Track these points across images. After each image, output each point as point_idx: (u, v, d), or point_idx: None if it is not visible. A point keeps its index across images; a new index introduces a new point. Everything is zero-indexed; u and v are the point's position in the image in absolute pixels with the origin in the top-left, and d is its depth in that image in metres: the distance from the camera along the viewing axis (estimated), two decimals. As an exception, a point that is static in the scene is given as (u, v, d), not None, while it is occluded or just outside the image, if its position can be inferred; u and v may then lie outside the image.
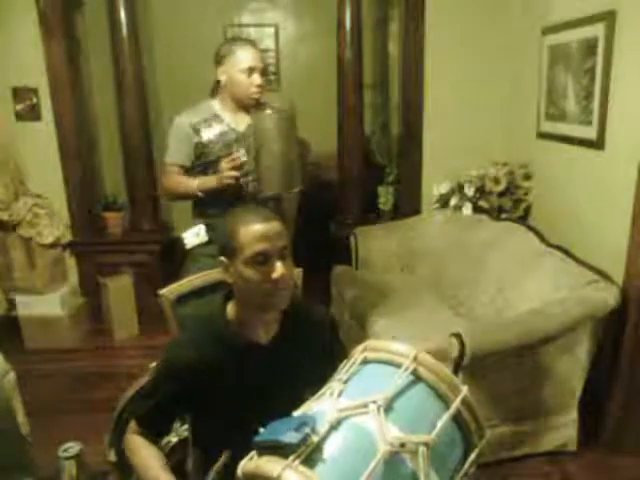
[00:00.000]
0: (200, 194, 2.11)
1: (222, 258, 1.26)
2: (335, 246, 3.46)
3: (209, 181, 2.10)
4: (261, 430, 0.81)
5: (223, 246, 1.27)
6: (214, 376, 1.24)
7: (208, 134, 2.12)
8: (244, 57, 2.08)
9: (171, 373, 1.27)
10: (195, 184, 2.11)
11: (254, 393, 1.25)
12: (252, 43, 2.18)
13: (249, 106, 2.12)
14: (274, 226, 1.22)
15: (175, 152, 2.17)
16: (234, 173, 2.01)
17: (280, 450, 0.74)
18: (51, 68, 3.32)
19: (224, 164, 2.04)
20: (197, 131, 2.12)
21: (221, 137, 2.13)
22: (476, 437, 0.86)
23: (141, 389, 1.56)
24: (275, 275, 1.20)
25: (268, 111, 1.96)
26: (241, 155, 2.02)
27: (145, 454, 1.26)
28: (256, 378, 1.26)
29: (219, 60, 2.12)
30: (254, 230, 1.20)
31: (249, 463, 0.78)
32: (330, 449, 0.75)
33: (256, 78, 2.09)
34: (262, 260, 1.20)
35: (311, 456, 0.74)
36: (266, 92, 2.17)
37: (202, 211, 2.19)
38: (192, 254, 2.20)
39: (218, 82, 2.17)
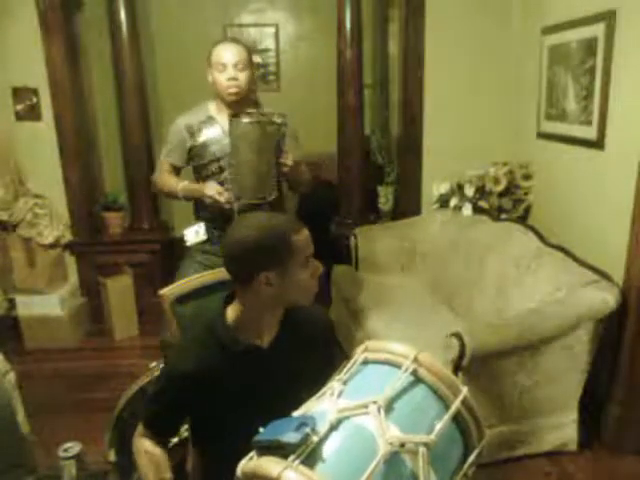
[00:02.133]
0: (182, 198, 2.18)
1: (265, 273, 1.19)
2: (335, 246, 3.46)
3: (193, 190, 2.14)
4: (261, 430, 0.81)
5: (267, 258, 1.19)
6: (215, 380, 1.24)
7: (203, 137, 2.15)
8: (217, 54, 2.07)
9: (174, 380, 1.27)
10: (179, 187, 2.16)
11: (254, 395, 1.25)
12: (235, 40, 2.16)
13: (232, 104, 2.10)
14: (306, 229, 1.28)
15: (169, 151, 2.23)
16: (217, 198, 2.02)
17: (280, 450, 0.74)
18: (51, 68, 3.32)
19: (211, 190, 2.03)
20: (192, 134, 2.16)
21: (215, 140, 2.14)
22: (476, 438, 0.85)
23: (141, 390, 1.56)
24: (321, 269, 1.29)
25: (244, 119, 1.94)
26: (227, 196, 2.03)
27: (147, 458, 1.28)
28: (256, 381, 1.26)
29: (207, 62, 2.12)
30: (305, 234, 1.25)
31: (248, 463, 0.77)
32: (330, 449, 0.75)
33: (229, 72, 2.05)
34: (311, 259, 1.26)
35: (311, 456, 0.73)
36: (267, 93, 2.17)
37: (202, 214, 2.22)
38: (190, 251, 2.25)
39: None
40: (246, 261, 1.21)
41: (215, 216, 2.13)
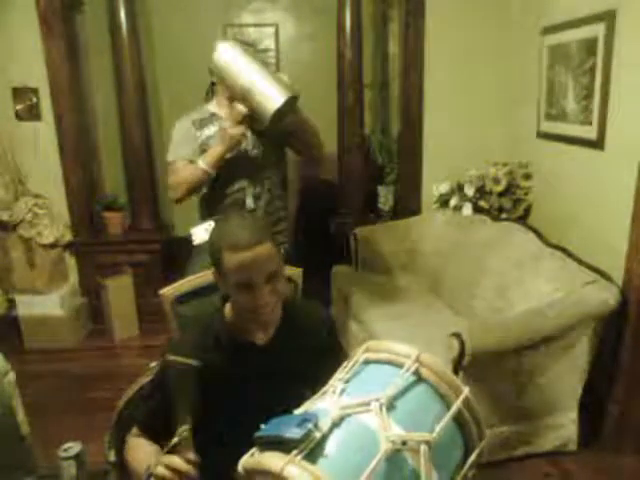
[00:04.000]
0: (210, 171, 2.05)
1: (213, 269, 1.26)
2: (335, 246, 3.46)
3: (214, 150, 2.05)
4: (262, 426, 0.81)
5: (211, 257, 1.25)
6: (213, 378, 1.24)
7: (207, 132, 2.14)
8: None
9: (170, 377, 1.27)
10: (201, 164, 2.04)
11: (253, 394, 1.25)
12: (248, 44, 2.19)
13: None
14: (262, 251, 1.16)
15: (179, 149, 2.13)
16: (240, 128, 2.01)
17: (282, 445, 0.73)
18: (51, 68, 3.32)
19: (225, 122, 2.02)
20: (199, 128, 2.14)
21: (219, 133, 2.13)
22: (476, 438, 0.85)
23: (141, 389, 1.56)
24: (259, 302, 1.18)
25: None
26: (240, 108, 2.00)
27: (138, 450, 1.27)
28: (255, 379, 1.26)
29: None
30: (240, 259, 1.15)
31: (250, 459, 0.77)
32: (332, 445, 0.75)
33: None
34: (247, 287, 1.18)
35: (313, 452, 0.73)
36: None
37: (209, 212, 2.20)
38: (199, 249, 2.16)
39: (213, 84, 2.18)
40: None
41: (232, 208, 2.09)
